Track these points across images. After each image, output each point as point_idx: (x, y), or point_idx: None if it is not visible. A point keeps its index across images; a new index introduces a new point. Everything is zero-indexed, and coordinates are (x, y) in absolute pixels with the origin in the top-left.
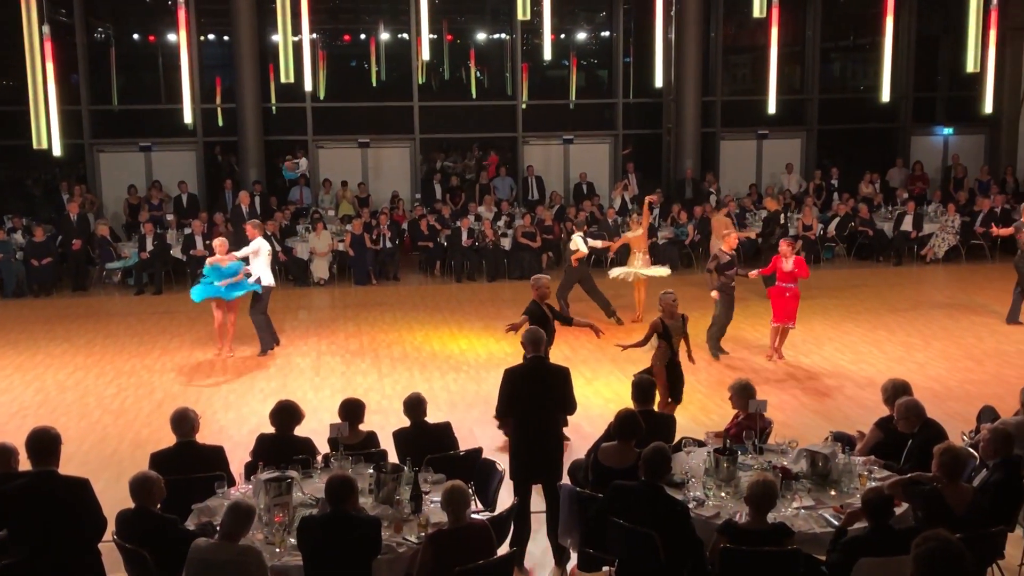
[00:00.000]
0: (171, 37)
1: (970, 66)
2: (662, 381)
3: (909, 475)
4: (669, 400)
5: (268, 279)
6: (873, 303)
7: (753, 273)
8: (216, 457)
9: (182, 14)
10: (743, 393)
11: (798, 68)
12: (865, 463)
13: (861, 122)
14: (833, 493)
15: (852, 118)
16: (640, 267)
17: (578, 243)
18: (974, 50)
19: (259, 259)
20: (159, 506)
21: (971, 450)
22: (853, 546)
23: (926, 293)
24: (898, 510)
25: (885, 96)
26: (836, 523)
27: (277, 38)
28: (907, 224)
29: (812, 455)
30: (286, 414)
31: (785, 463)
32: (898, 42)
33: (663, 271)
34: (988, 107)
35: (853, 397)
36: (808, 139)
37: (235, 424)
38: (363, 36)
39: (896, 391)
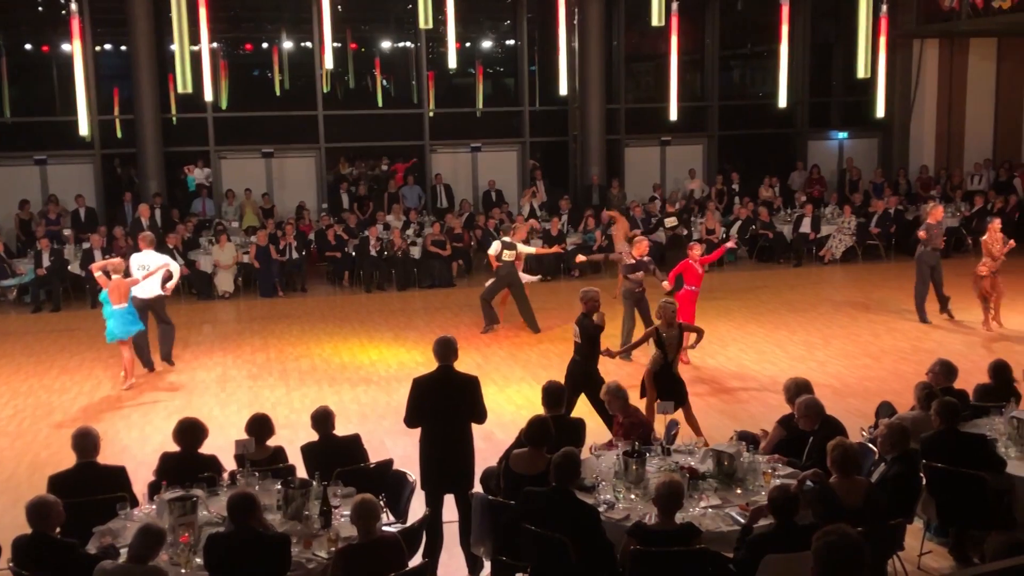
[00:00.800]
0: (65, 47)
1: (861, 72)
2: (651, 388)
3: (798, 479)
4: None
5: (156, 290)
6: (775, 304)
7: (667, 285)
8: (118, 478)
9: (76, 23)
10: (619, 395)
11: (699, 76)
12: (769, 461)
13: (760, 127)
14: (739, 491)
15: (751, 124)
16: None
17: (493, 248)
18: (865, 56)
19: (157, 274)
20: (58, 530)
21: (870, 445)
22: (759, 543)
23: (825, 293)
24: None
25: (782, 102)
26: (742, 521)
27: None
28: (805, 226)
29: (718, 454)
30: (190, 432)
31: (692, 463)
32: (793, 50)
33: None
34: (880, 111)
35: (757, 396)
36: (709, 145)
37: (138, 443)
38: (265, 45)
39: (797, 390)
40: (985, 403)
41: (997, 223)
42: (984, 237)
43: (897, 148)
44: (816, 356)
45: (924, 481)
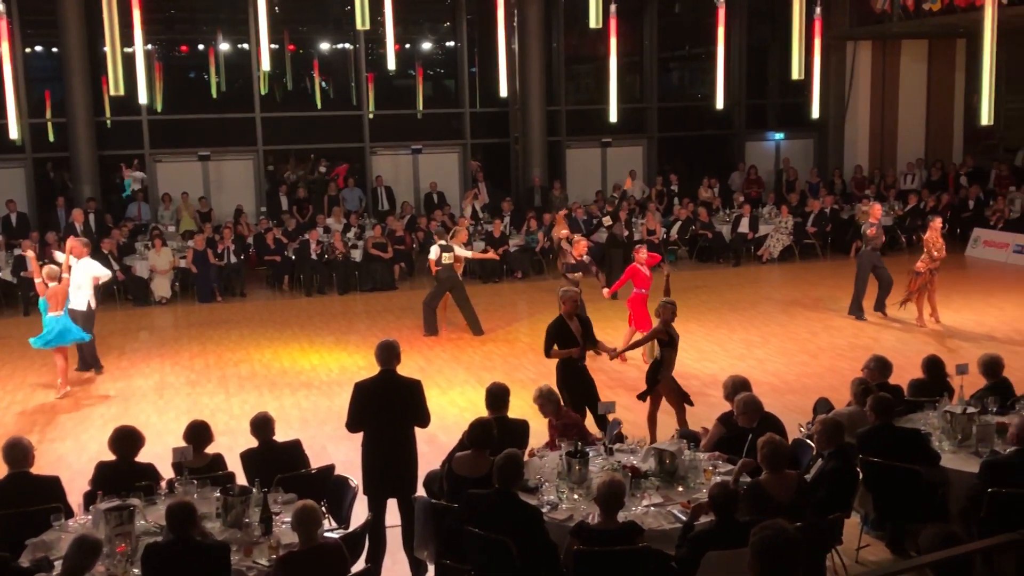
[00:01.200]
0: None
1: (795, 73)
2: (676, 393)
3: (734, 473)
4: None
5: (91, 301)
6: (715, 303)
7: (607, 292)
8: (52, 488)
9: (4, 24)
10: (551, 399)
11: (638, 78)
12: (709, 458)
13: (698, 129)
14: (680, 489)
15: (690, 125)
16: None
17: (433, 252)
18: (799, 58)
19: (85, 280)
20: None
21: (807, 441)
22: (700, 540)
23: (763, 291)
24: None
25: (719, 104)
26: (684, 519)
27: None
28: (744, 226)
29: (660, 453)
30: (125, 440)
31: (634, 462)
32: (730, 52)
33: None
34: (815, 112)
35: (698, 394)
36: (649, 146)
37: (74, 452)
38: (201, 46)
39: (735, 387)
40: (919, 398)
41: (938, 221)
42: (925, 235)
43: (832, 148)
44: (755, 354)
45: (860, 475)
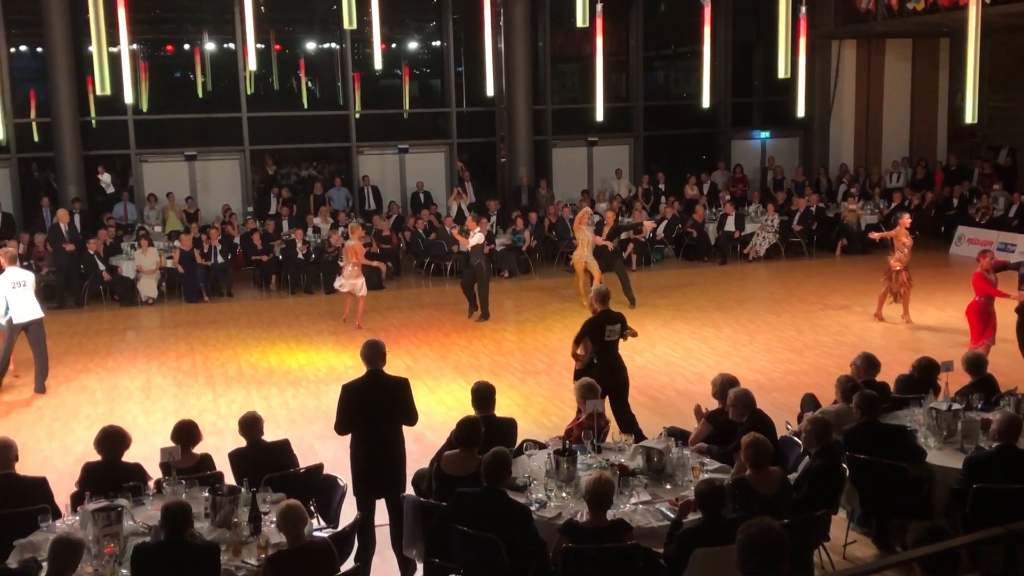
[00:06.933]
0: None
1: (781, 72)
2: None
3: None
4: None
5: (36, 312)
6: (701, 301)
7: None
8: (38, 489)
9: None
10: (588, 392)
11: (623, 77)
12: (696, 454)
13: (684, 128)
14: (668, 487)
15: (675, 124)
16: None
17: (477, 238)
18: (785, 57)
19: (25, 291)
20: None
21: (794, 438)
22: (688, 537)
23: (749, 290)
24: None
25: (705, 102)
26: (672, 516)
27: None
28: (730, 225)
29: (647, 451)
30: (111, 440)
31: (622, 460)
32: (716, 50)
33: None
34: (801, 111)
35: (685, 392)
36: (635, 145)
37: (60, 453)
38: (187, 46)
39: (724, 385)
40: (905, 395)
41: (906, 219)
42: (897, 232)
43: (817, 147)
44: (741, 352)
45: (847, 472)
